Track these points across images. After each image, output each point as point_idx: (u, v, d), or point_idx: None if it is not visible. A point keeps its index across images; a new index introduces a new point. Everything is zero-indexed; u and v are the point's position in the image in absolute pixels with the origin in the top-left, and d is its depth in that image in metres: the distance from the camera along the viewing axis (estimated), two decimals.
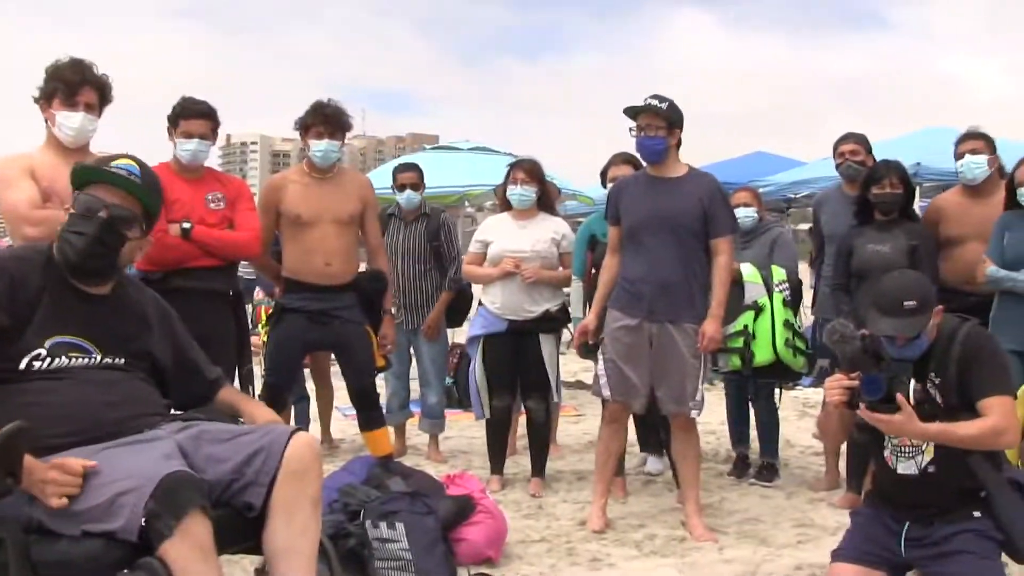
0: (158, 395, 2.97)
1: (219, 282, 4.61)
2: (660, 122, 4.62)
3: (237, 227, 4.63)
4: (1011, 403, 3.31)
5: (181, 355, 3.12)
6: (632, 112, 4.65)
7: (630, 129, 4.66)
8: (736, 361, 5.39)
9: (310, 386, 6.68)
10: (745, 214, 5.71)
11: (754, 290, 5.44)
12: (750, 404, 5.91)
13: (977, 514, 3.30)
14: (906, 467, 3.42)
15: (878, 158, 5.48)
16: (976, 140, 5.17)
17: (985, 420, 3.21)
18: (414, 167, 6.45)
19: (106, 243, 2.80)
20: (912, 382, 3.26)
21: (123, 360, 2.86)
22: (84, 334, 2.81)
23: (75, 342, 2.78)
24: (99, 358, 2.81)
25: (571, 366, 8.87)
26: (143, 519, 2.35)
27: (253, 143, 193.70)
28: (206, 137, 4.55)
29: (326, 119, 4.93)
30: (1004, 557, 3.36)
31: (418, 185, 6.29)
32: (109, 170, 2.85)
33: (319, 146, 4.92)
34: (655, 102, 4.63)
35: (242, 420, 3.06)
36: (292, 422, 5.79)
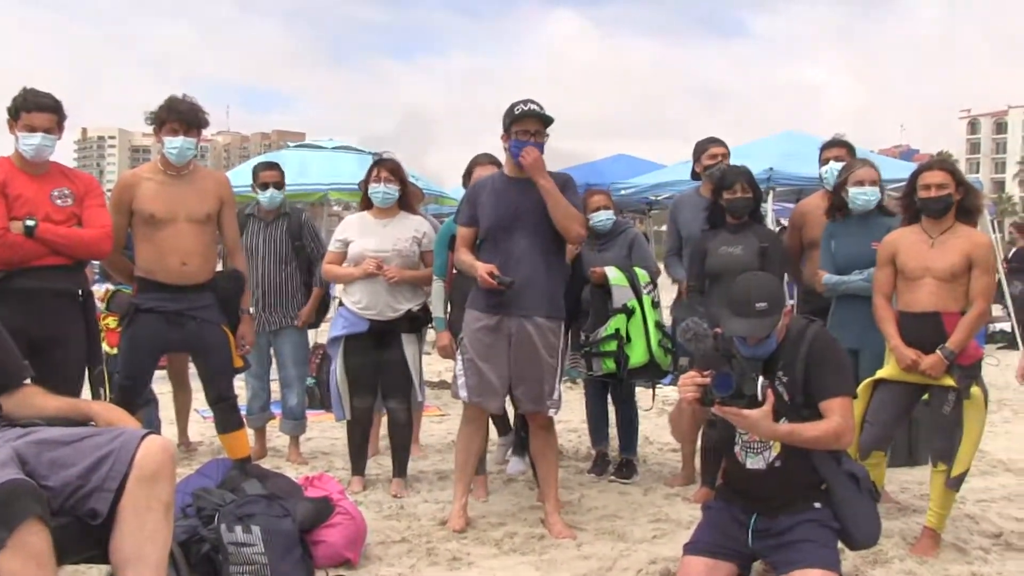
0: None
1: (66, 281, 4.46)
2: (543, 127, 4.68)
3: (86, 224, 4.48)
4: (850, 405, 3.50)
5: None
6: (518, 117, 4.64)
7: (515, 133, 4.64)
8: (610, 364, 5.44)
9: (156, 388, 6.45)
10: (605, 217, 5.78)
11: (622, 293, 5.48)
12: (610, 402, 6.00)
13: (818, 505, 3.47)
14: (755, 462, 3.56)
15: (735, 162, 5.66)
16: (840, 148, 5.52)
17: (828, 423, 3.38)
18: (276, 165, 6.37)
19: None
20: (760, 379, 3.38)
21: None
22: None
23: None
24: None
25: (435, 366, 8.86)
26: None
27: (111, 137, 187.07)
28: (51, 131, 4.39)
29: (180, 115, 4.78)
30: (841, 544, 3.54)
31: (280, 184, 6.21)
32: None
33: (174, 143, 4.78)
34: (537, 108, 4.65)
35: (93, 422, 2.95)
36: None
